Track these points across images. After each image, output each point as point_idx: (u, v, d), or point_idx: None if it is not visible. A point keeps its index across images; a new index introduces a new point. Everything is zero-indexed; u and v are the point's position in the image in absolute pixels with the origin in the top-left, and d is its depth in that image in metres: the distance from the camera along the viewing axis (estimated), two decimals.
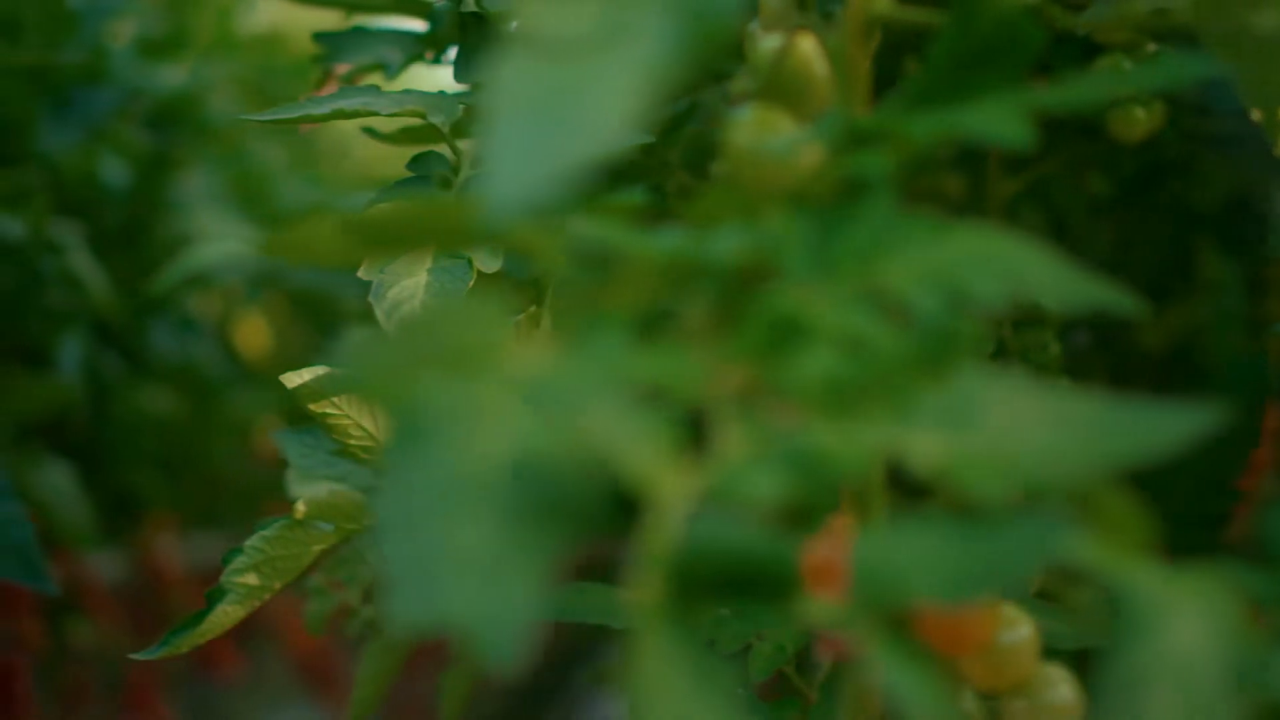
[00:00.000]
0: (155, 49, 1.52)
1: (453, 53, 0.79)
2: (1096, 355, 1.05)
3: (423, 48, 0.78)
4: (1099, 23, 0.59)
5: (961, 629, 0.44)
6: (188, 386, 1.64)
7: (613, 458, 0.37)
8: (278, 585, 0.68)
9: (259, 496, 2.11)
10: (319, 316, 2.39)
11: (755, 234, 0.42)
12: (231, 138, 1.85)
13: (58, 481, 1.25)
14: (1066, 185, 0.88)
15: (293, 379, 0.65)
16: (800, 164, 0.45)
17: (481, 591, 0.36)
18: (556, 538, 0.37)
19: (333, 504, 0.67)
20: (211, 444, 1.75)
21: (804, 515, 0.38)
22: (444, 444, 0.38)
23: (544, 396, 0.39)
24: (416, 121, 0.69)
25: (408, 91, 0.66)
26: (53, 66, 1.26)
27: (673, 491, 0.37)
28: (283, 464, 2.08)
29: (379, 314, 0.61)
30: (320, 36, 0.78)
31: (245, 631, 2.12)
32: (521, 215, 0.35)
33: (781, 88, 0.48)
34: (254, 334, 2.12)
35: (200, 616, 0.67)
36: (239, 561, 0.67)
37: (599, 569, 0.85)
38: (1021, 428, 0.39)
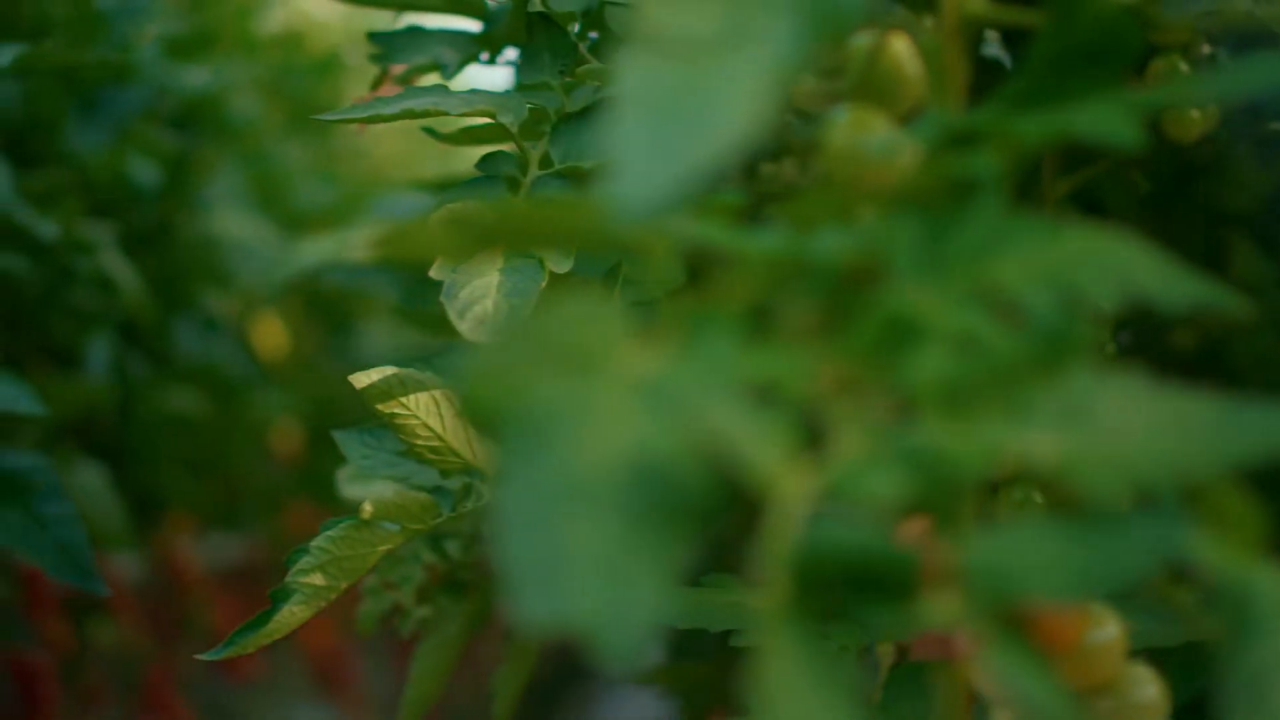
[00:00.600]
0: (180, 49, 1.52)
1: (509, 53, 0.79)
2: (1130, 355, 1.05)
3: (478, 48, 0.77)
4: (1172, 22, 0.59)
5: (1054, 628, 0.44)
6: (211, 387, 1.64)
7: (734, 457, 0.37)
8: (343, 585, 0.67)
9: (278, 497, 2.11)
10: (333, 316, 2.40)
11: (862, 234, 0.42)
12: (252, 138, 1.84)
13: (90, 482, 1.25)
14: (1114, 184, 0.88)
15: (362, 379, 0.65)
16: (898, 164, 0.45)
17: (605, 593, 0.36)
18: (676, 538, 0.37)
19: (399, 504, 0.67)
20: (233, 444, 1.75)
21: (923, 515, 0.38)
22: (561, 444, 0.38)
23: (659, 396, 0.39)
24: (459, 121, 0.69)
25: (476, 91, 0.66)
26: (81, 66, 1.25)
27: (794, 491, 0.37)
28: (300, 465, 2.09)
29: (451, 313, 0.61)
30: (376, 36, 0.78)
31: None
32: (650, 215, 0.35)
33: (874, 87, 0.48)
34: (271, 334, 2.12)
35: (266, 617, 0.67)
36: (305, 562, 0.67)
37: None
38: (1137, 428, 0.39)
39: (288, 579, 0.67)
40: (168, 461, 1.64)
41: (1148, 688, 0.51)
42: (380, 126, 2.03)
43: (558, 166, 0.64)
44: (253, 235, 1.73)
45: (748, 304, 0.42)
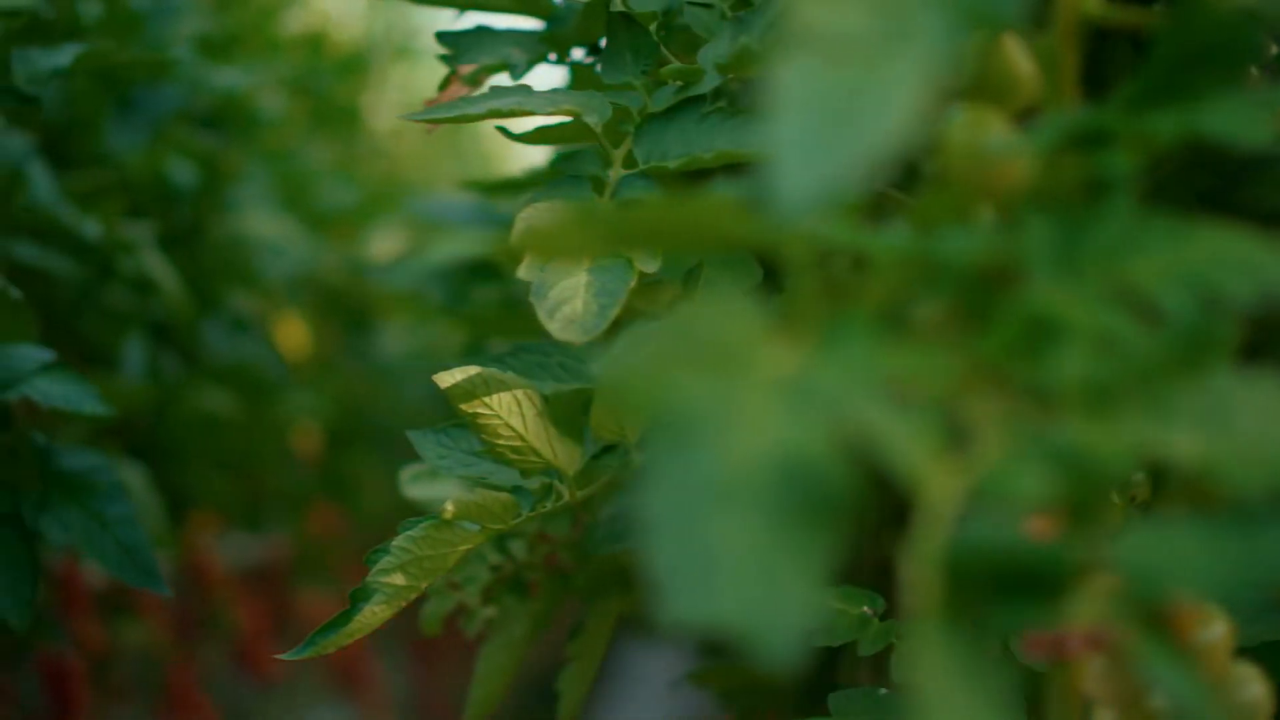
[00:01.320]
0: (211, 49, 1.52)
1: (577, 52, 0.79)
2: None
3: (546, 48, 0.77)
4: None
5: (1176, 627, 0.44)
6: (241, 387, 1.64)
7: (883, 456, 0.37)
8: (423, 585, 0.67)
9: (301, 498, 2.11)
10: (351, 316, 2.40)
11: (992, 233, 0.42)
12: (278, 137, 1.84)
13: (131, 482, 1.25)
14: (1179, 182, 0.88)
15: (445, 378, 0.65)
16: (1018, 163, 0.45)
17: (756, 593, 0.36)
18: (823, 537, 0.37)
19: (480, 504, 0.67)
20: (260, 444, 1.75)
21: (1070, 513, 0.38)
22: (707, 444, 0.38)
23: (802, 395, 0.39)
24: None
25: (561, 91, 0.66)
26: (134, 66, 1.25)
27: (944, 490, 0.38)
28: (320, 465, 2.08)
29: (540, 313, 0.61)
30: (444, 36, 0.78)
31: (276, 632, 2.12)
32: (811, 215, 0.35)
33: (988, 86, 0.48)
34: (293, 334, 2.12)
35: (347, 617, 0.67)
36: (386, 562, 0.66)
37: None
38: (1279, 428, 0.39)
39: (368, 578, 0.67)
40: (197, 461, 1.64)
41: (1253, 686, 0.51)
42: (404, 129, 2.03)
43: (642, 166, 0.64)
44: (280, 235, 1.73)
45: (881, 303, 0.42)
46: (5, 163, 1.14)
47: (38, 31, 1.32)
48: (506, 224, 1.22)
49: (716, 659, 1.19)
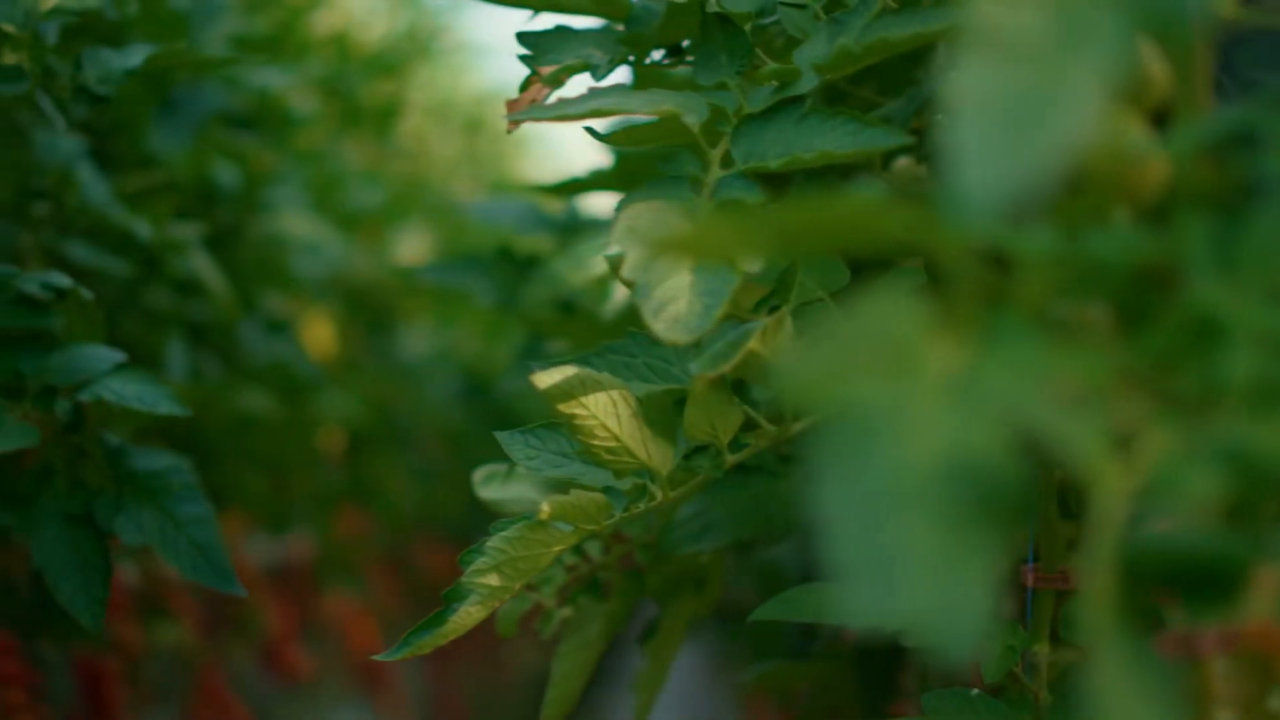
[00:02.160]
0: (249, 49, 1.52)
1: (657, 53, 0.79)
2: None
3: (626, 49, 0.77)
4: None
5: None
6: (277, 387, 1.64)
7: (1058, 456, 0.37)
8: (517, 586, 0.67)
9: (329, 499, 2.11)
10: (375, 317, 2.40)
11: (1144, 234, 0.42)
12: (309, 138, 1.84)
13: None
14: None
15: (544, 379, 0.65)
16: (1156, 164, 0.46)
17: (936, 591, 0.36)
18: (996, 535, 0.37)
19: (575, 505, 0.67)
20: (293, 445, 1.75)
21: (1238, 511, 0.38)
22: (880, 444, 0.38)
23: (970, 395, 0.39)
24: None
25: (660, 91, 0.66)
26: (179, 68, 1.25)
27: (1118, 488, 0.38)
28: (347, 466, 2.08)
29: (645, 313, 0.60)
30: (524, 36, 0.77)
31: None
32: (995, 217, 0.36)
33: (1122, 87, 0.48)
34: (320, 335, 2.12)
35: (442, 617, 0.67)
36: (481, 563, 0.66)
37: None
38: None
39: (463, 579, 0.67)
40: (231, 461, 1.64)
41: None
42: (426, 130, 2.04)
43: (741, 166, 0.64)
44: (314, 235, 1.73)
45: (1039, 303, 0.42)
46: (56, 163, 1.14)
47: (85, 31, 1.32)
48: (558, 225, 1.22)
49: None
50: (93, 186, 1.15)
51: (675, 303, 0.61)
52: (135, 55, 0.87)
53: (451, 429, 2.76)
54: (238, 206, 1.48)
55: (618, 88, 0.66)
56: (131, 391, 0.84)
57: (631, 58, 0.79)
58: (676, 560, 0.84)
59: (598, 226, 1.20)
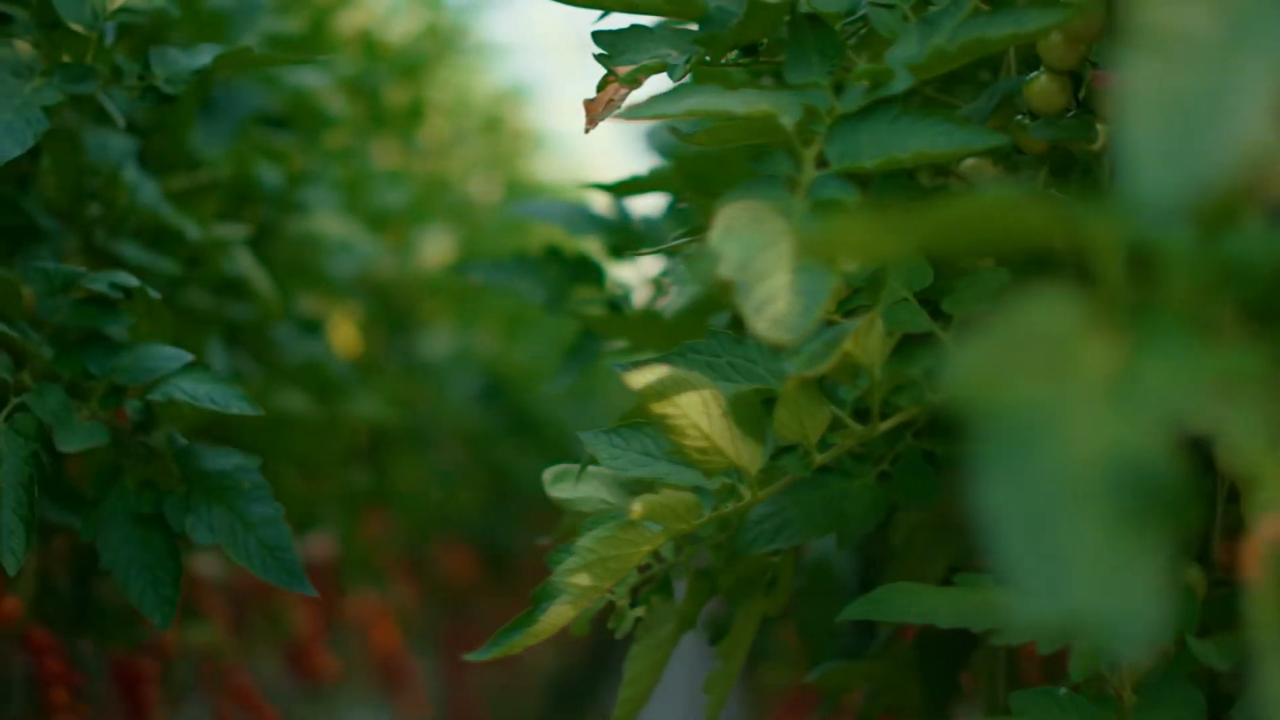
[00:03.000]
0: (287, 48, 1.52)
1: (731, 54, 0.79)
2: None
3: (701, 49, 0.77)
4: None
5: None
6: (312, 387, 1.64)
7: (1223, 453, 0.37)
8: (606, 586, 0.67)
9: (357, 499, 2.11)
10: (397, 317, 2.39)
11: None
12: (338, 138, 1.84)
13: None
14: None
15: (636, 378, 0.65)
16: None
17: (1108, 591, 0.37)
18: (1162, 534, 0.38)
19: (666, 505, 0.67)
20: (326, 445, 1.75)
21: None
22: (1043, 444, 0.38)
23: (1130, 395, 0.39)
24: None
25: (754, 91, 0.66)
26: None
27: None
28: (371, 466, 2.07)
29: (746, 313, 0.61)
30: (600, 36, 0.78)
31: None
32: (1169, 217, 0.36)
33: None
34: (344, 334, 2.12)
35: (532, 616, 0.67)
36: (571, 562, 0.66)
37: None
38: None
39: (553, 578, 0.67)
40: (268, 461, 1.64)
41: None
42: (444, 130, 2.03)
43: (836, 167, 0.64)
44: (346, 234, 1.73)
45: (1187, 301, 0.42)
46: (108, 163, 1.14)
47: (128, 31, 1.32)
48: (607, 225, 1.21)
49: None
50: (142, 187, 1.15)
51: (775, 302, 0.61)
52: (203, 55, 0.87)
53: (470, 430, 2.76)
54: (274, 206, 1.47)
55: (706, 88, 0.66)
56: (203, 391, 0.84)
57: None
58: (748, 560, 0.84)
59: (649, 226, 1.20)
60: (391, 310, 2.29)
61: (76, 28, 0.86)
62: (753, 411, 0.68)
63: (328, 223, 1.66)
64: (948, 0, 0.68)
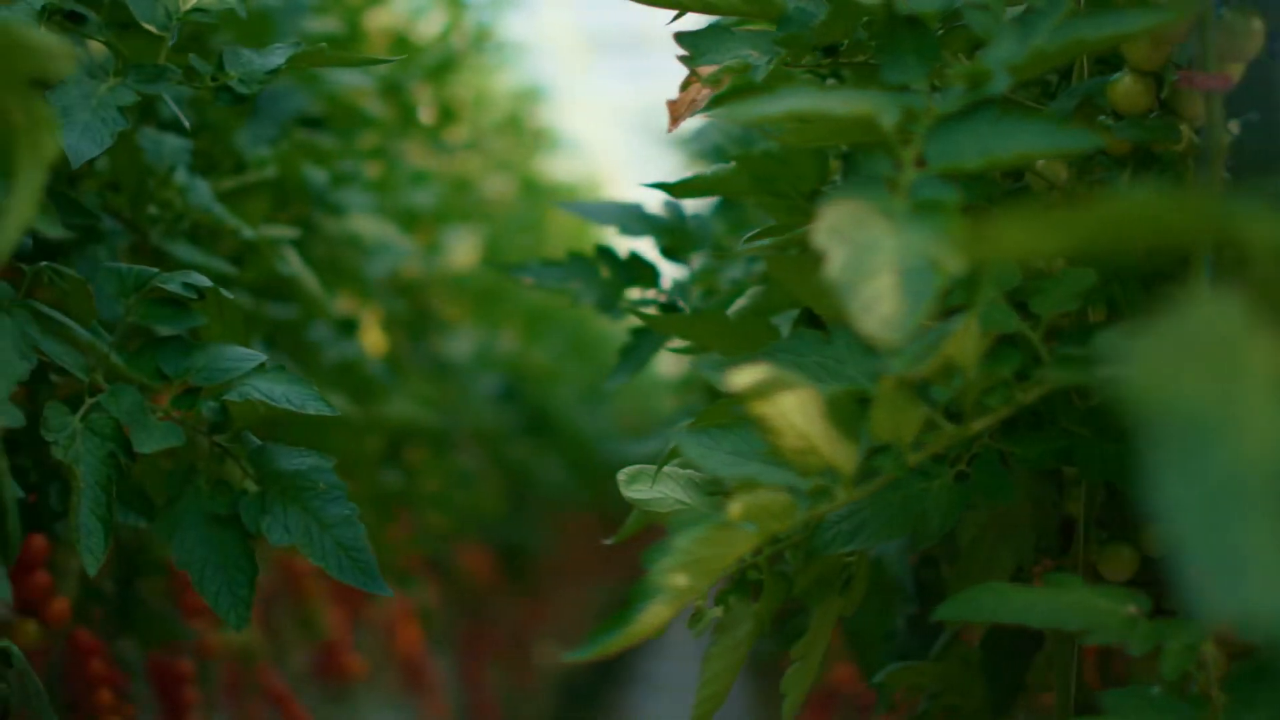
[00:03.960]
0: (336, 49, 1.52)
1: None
2: None
3: (782, 50, 0.77)
4: None
5: None
6: (346, 387, 1.64)
7: None
8: (703, 586, 0.67)
9: (386, 499, 2.11)
10: (418, 318, 2.39)
11: None
12: (370, 138, 1.84)
13: None
14: None
15: (739, 378, 0.65)
16: None
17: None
18: None
19: (762, 505, 0.67)
20: (363, 445, 1.75)
21: None
22: (1215, 444, 0.38)
23: None
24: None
25: (852, 91, 0.66)
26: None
27: None
28: (396, 466, 2.06)
29: (854, 313, 0.61)
30: (683, 37, 0.78)
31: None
32: None
33: None
34: (372, 335, 2.12)
35: (628, 616, 0.67)
36: (668, 562, 0.66)
37: None
38: None
39: (650, 578, 0.67)
40: None
41: None
42: (470, 131, 2.03)
43: (936, 167, 0.64)
44: (382, 235, 1.73)
45: None
46: (164, 165, 1.14)
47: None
48: (661, 225, 1.21)
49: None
50: (195, 187, 1.15)
51: (882, 303, 0.61)
52: (277, 55, 0.87)
53: (489, 430, 2.76)
54: (318, 207, 1.48)
55: (806, 89, 0.66)
56: (280, 391, 0.84)
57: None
58: (825, 561, 0.84)
59: (700, 225, 1.20)
60: (416, 311, 2.29)
61: (149, 28, 0.86)
62: (849, 412, 0.68)
63: (365, 224, 1.66)
64: (1041, 0, 0.68)
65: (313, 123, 1.60)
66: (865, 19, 0.77)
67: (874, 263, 0.61)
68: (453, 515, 2.31)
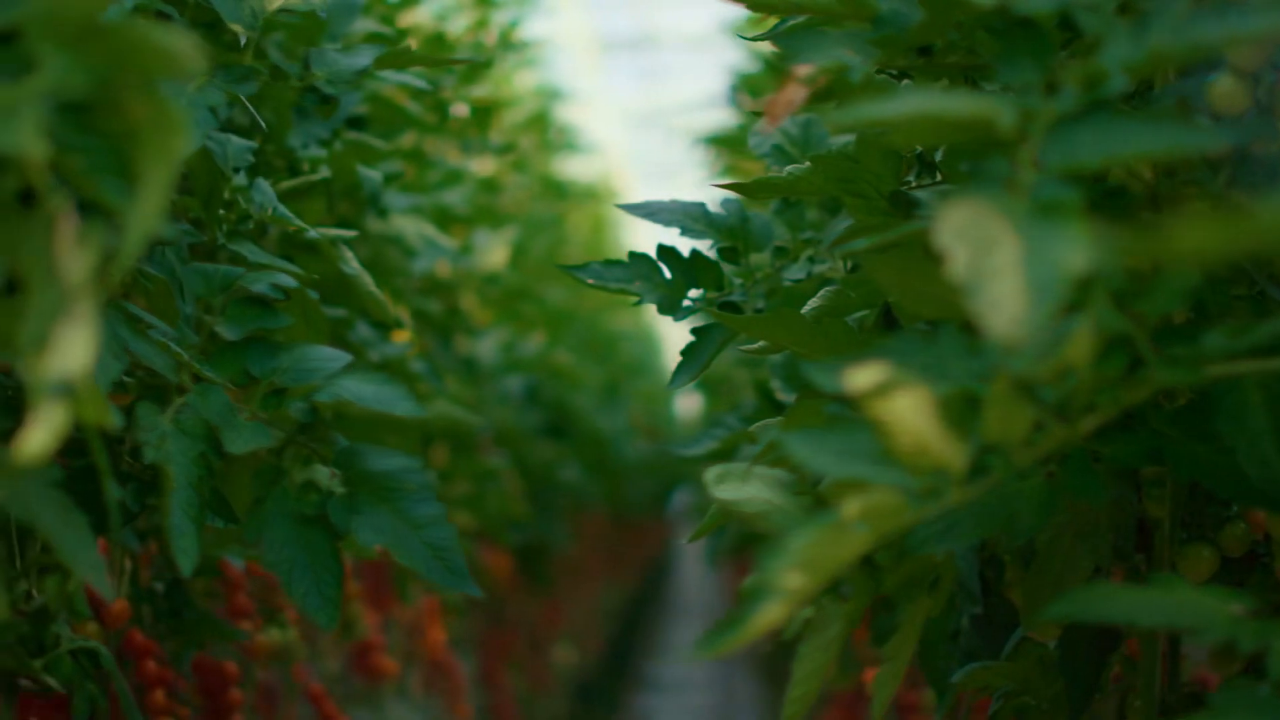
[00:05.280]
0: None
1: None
2: None
3: (878, 50, 0.77)
4: None
5: None
6: None
7: None
8: (817, 586, 0.67)
9: None
10: (445, 318, 2.39)
11: None
12: (410, 138, 1.84)
13: None
14: None
15: (855, 378, 0.65)
16: None
17: None
18: None
19: (876, 506, 0.67)
20: (408, 445, 1.75)
21: None
22: None
23: None
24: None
25: (968, 93, 0.66)
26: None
27: None
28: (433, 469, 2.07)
29: (980, 311, 0.61)
30: (779, 38, 0.78)
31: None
32: None
33: None
34: (402, 335, 2.12)
35: (743, 616, 0.67)
36: (783, 562, 0.66)
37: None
38: None
39: (764, 578, 0.67)
40: None
41: None
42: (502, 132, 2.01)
43: (1056, 167, 0.64)
44: (422, 235, 1.73)
45: None
46: (229, 166, 1.13)
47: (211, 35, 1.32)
48: (723, 225, 1.21)
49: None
50: (261, 188, 1.15)
51: (1009, 302, 0.61)
52: (364, 56, 0.87)
53: (513, 430, 2.76)
54: (368, 208, 1.47)
55: (924, 91, 0.66)
56: (369, 392, 0.84)
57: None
58: (915, 560, 0.84)
59: (764, 226, 1.20)
60: (448, 311, 2.29)
61: (235, 28, 0.86)
62: (960, 412, 0.68)
63: (406, 224, 1.66)
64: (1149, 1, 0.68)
65: (357, 122, 1.60)
66: (958, 20, 0.77)
67: (999, 262, 0.62)
68: (484, 517, 2.30)
